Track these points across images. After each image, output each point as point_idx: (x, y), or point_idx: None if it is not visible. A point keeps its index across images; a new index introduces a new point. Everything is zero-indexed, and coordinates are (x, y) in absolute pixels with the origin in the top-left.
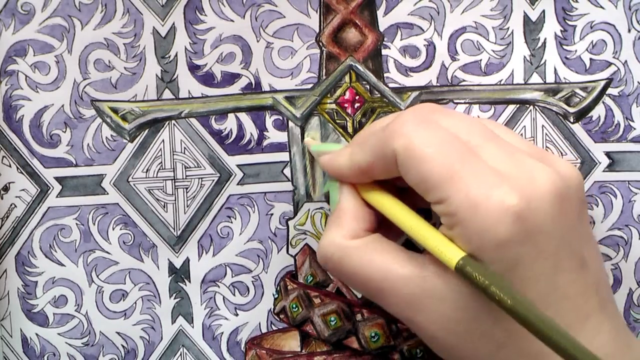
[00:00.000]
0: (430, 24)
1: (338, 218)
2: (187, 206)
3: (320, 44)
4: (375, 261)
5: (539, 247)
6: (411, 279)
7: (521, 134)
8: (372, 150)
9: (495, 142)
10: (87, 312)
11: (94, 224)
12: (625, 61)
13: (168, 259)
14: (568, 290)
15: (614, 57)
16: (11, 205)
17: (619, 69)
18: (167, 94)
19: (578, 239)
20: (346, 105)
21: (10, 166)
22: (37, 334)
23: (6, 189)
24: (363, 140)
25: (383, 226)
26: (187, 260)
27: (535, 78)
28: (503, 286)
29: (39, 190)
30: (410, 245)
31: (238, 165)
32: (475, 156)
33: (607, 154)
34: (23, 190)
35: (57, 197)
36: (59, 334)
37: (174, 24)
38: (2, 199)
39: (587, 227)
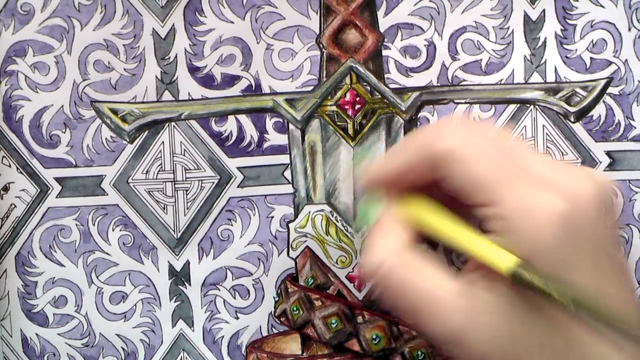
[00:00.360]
0: (431, 24)
1: (387, 228)
2: (187, 208)
3: (321, 45)
4: (426, 273)
5: (583, 251)
6: (461, 295)
7: (522, 134)
8: (413, 152)
9: (531, 151)
10: (87, 313)
11: (94, 224)
12: (626, 60)
13: (168, 262)
14: (609, 294)
15: (614, 56)
16: (11, 205)
17: (619, 67)
18: (167, 96)
19: (613, 244)
20: (347, 107)
21: (10, 166)
22: (37, 334)
23: (6, 189)
24: (399, 147)
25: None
26: (188, 263)
27: (536, 77)
28: (562, 287)
29: (39, 190)
30: None
31: (238, 168)
32: (520, 162)
33: (608, 153)
34: (23, 190)
35: (56, 197)
36: (58, 334)
37: (173, 25)
38: (2, 199)
39: (616, 232)
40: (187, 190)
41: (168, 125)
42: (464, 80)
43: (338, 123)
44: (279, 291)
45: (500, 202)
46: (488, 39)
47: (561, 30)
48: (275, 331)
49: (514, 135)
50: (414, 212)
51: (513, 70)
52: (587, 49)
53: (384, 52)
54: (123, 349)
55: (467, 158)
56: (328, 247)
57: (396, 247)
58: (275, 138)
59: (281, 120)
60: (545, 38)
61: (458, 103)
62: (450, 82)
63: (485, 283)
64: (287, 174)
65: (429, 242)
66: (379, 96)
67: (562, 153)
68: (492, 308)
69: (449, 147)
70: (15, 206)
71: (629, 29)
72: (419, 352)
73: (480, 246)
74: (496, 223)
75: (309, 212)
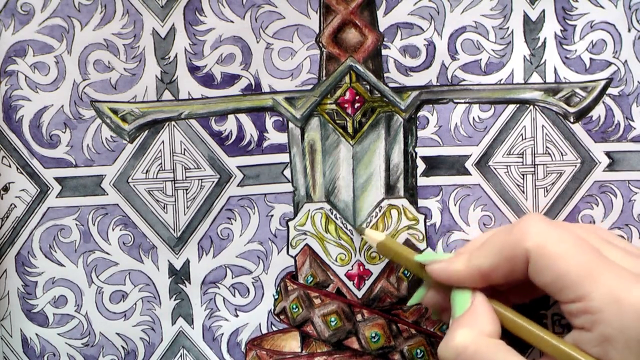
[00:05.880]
0: (430, 23)
1: (474, 317)
2: (187, 207)
3: (320, 44)
4: None
5: None
6: None
7: (521, 134)
8: (497, 253)
9: (611, 244)
10: (87, 313)
11: (94, 224)
12: (625, 61)
13: (168, 260)
14: None
15: (614, 57)
16: (11, 205)
17: (619, 68)
18: (167, 95)
19: None
20: (346, 105)
21: (10, 166)
22: (37, 334)
23: (6, 189)
24: (482, 246)
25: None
26: (187, 262)
27: (535, 78)
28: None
29: (39, 190)
30: None
31: (238, 167)
32: (604, 255)
33: (607, 154)
34: (23, 190)
35: (56, 197)
36: (58, 334)
37: (173, 24)
38: (2, 199)
39: None
40: (187, 190)
41: (168, 124)
42: (464, 79)
43: (337, 121)
44: (278, 289)
45: (589, 296)
46: (488, 39)
47: (561, 30)
48: (274, 329)
49: (594, 227)
50: (499, 309)
51: (512, 70)
52: (586, 49)
53: (384, 52)
54: (123, 347)
55: (552, 254)
56: (327, 244)
57: (485, 332)
58: (275, 137)
59: (281, 119)
60: (545, 38)
61: (457, 103)
62: (449, 82)
63: None
64: (287, 172)
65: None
66: (379, 95)
67: (562, 153)
68: None
69: (532, 246)
70: (15, 206)
71: (629, 30)
72: (418, 350)
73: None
74: (585, 318)
75: (309, 210)
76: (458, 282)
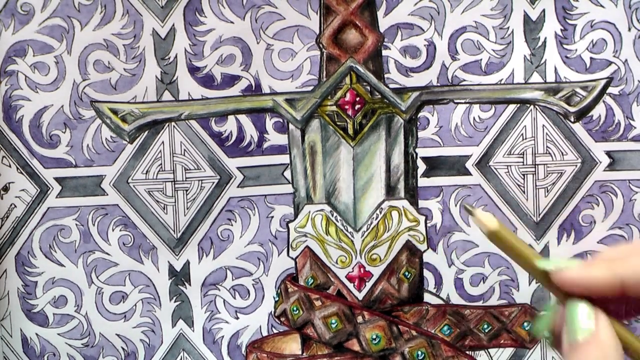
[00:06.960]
0: (431, 24)
1: (601, 348)
2: (187, 208)
3: (321, 45)
4: None
5: None
6: None
7: (522, 134)
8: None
9: None
10: (86, 313)
11: (94, 224)
12: (626, 60)
13: (168, 262)
14: None
15: (614, 56)
16: (11, 205)
17: (619, 67)
18: (167, 96)
19: None
20: (347, 106)
21: (10, 166)
22: (37, 334)
23: (6, 189)
24: (632, 257)
25: None
26: (187, 263)
27: (536, 77)
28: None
29: (39, 190)
30: None
31: (238, 168)
32: None
33: (608, 153)
34: (23, 190)
35: (56, 197)
36: (58, 334)
37: (173, 25)
38: (2, 199)
39: None
40: (187, 190)
41: (168, 125)
42: (464, 80)
43: (338, 123)
44: (279, 291)
45: None
46: (488, 39)
47: (561, 30)
48: (275, 331)
49: None
50: (622, 333)
51: (513, 70)
52: (587, 49)
53: (384, 52)
54: (123, 348)
55: None
56: (328, 246)
57: None
58: (275, 138)
59: (281, 120)
60: (545, 38)
61: (458, 103)
62: (450, 82)
63: None
64: (287, 173)
65: None
66: (379, 96)
67: (562, 153)
68: None
69: None
70: (15, 206)
71: (629, 29)
72: (419, 352)
73: None
74: None
75: (309, 211)
76: (595, 292)
